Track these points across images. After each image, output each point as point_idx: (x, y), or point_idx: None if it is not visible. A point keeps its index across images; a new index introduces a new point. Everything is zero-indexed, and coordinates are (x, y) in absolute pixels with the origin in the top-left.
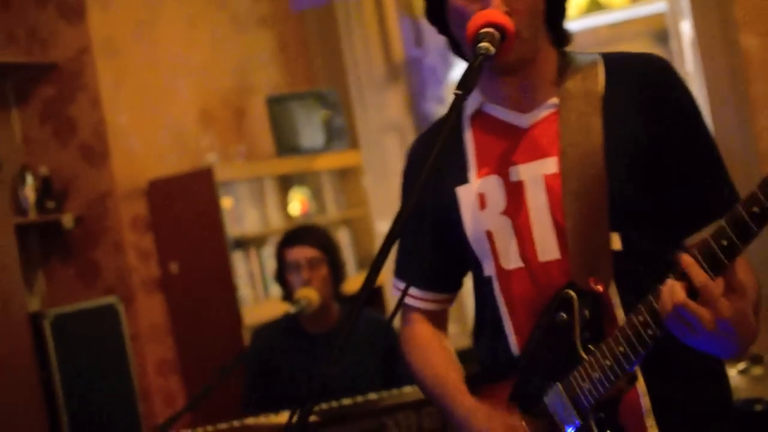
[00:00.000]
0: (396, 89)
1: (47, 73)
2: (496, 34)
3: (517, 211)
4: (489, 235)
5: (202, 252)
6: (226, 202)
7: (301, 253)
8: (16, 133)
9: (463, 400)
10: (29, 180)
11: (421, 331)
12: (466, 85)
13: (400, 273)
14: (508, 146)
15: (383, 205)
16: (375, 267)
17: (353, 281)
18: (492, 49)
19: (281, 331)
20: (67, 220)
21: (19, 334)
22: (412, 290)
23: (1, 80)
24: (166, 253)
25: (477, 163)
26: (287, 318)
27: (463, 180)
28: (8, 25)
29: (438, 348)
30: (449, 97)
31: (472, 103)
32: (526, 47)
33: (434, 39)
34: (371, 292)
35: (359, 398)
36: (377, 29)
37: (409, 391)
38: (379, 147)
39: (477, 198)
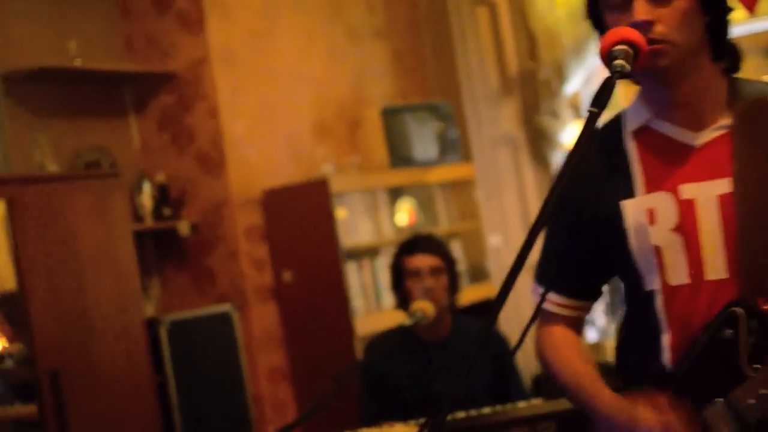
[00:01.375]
0: (510, 102)
1: (166, 82)
2: (630, 50)
3: (688, 228)
4: (657, 250)
5: (315, 262)
6: (340, 213)
7: (424, 261)
8: (134, 140)
9: (606, 393)
10: (146, 187)
11: (560, 332)
12: (600, 102)
13: (542, 279)
14: (678, 164)
15: (495, 219)
16: (510, 278)
17: (465, 293)
18: (627, 67)
19: (395, 341)
20: (183, 227)
21: (136, 339)
22: (554, 296)
23: (120, 88)
24: (279, 262)
25: (644, 178)
26: (401, 328)
27: (629, 194)
28: (128, 34)
29: (576, 348)
30: (563, 111)
31: (637, 118)
32: (680, 53)
33: (548, 53)
34: (487, 304)
35: (473, 412)
36: (492, 42)
37: (524, 407)
38: (492, 160)
39: (646, 213)
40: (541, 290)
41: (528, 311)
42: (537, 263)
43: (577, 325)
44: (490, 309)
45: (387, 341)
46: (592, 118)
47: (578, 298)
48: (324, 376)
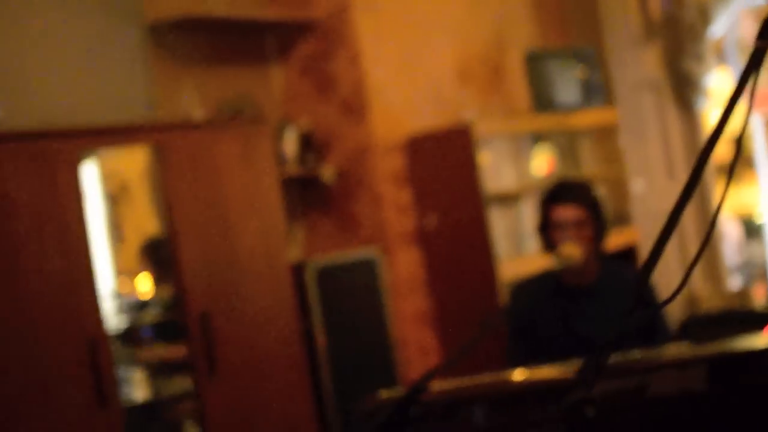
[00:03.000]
0: (653, 46)
1: (308, 30)
2: None
3: None
4: None
5: (458, 207)
6: (483, 158)
7: (569, 213)
8: (277, 88)
9: None
10: (289, 134)
11: None
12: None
13: None
14: None
15: (638, 164)
16: (668, 227)
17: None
18: None
19: (541, 286)
20: (327, 173)
21: (282, 283)
22: None
23: (262, 36)
24: (423, 207)
25: None
26: (547, 273)
27: None
28: None
29: None
30: (707, 55)
31: None
32: None
33: None
34: (630, 250)
35: (621, 356)
36: None
37: (674, 351)
38: (636, 105)
39: None
40: None
41: (673, 264)
42: None
43: None
44: (647, 257)
45: (534, 285)
46: (759, 51)
47: None
48: (468, 320)
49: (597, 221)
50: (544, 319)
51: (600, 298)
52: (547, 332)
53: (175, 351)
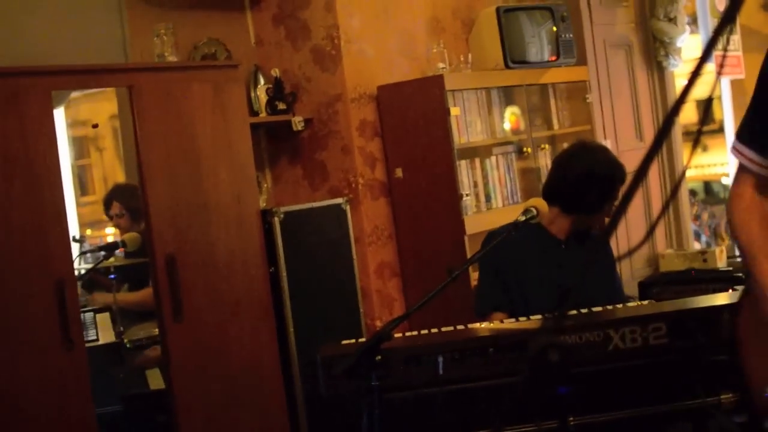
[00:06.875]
0: (625, 5)
1: None
2: None
3: None
4: None
5: (428, 159)
6: (454, 111)
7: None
8: (250, 34)
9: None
10: (261, 81)
11: (748, 193)
12: None
13: (744, 138)
14: None
15: (608, 122)
16: (631, 190)
17: None
18: None
19: (517, 234)
20: (297, 121)
21: (251, 230)
22: (754, 155)
23: None
24: (392, 158)
25: None
26: (516, 224)
27: None
28: None
29: (758, 215)
30: (680, 17)
31: None
32: None
33: None
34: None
35: (584, 310)
36: None
37: (634, 306)
38: (606, 63)
39: None
40: (741, 147)
41: (638, 224)
42: (741, 123)
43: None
44: (612, 214)
45: (509, 233)
46: (730, 12)
47: None
48: (433, 272)
49: None
50: (516, 266)
51: (569, 251)
52: (517, 280)
53: (140, 297)
